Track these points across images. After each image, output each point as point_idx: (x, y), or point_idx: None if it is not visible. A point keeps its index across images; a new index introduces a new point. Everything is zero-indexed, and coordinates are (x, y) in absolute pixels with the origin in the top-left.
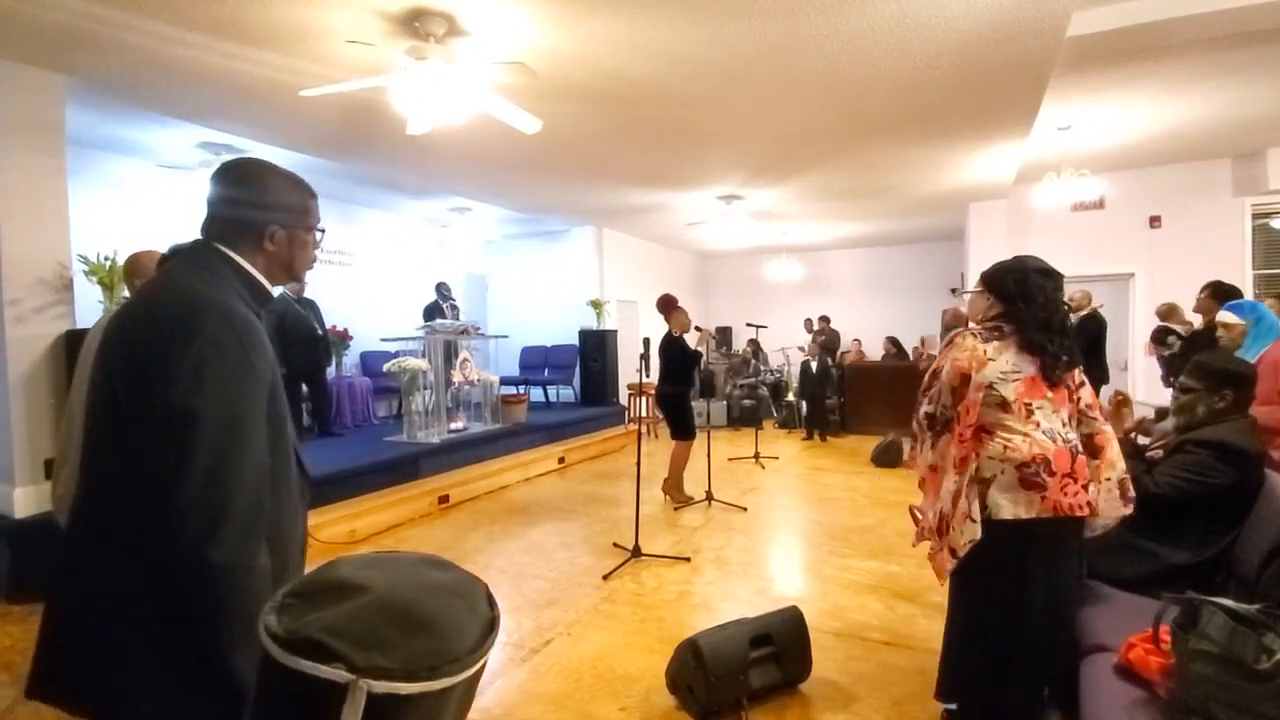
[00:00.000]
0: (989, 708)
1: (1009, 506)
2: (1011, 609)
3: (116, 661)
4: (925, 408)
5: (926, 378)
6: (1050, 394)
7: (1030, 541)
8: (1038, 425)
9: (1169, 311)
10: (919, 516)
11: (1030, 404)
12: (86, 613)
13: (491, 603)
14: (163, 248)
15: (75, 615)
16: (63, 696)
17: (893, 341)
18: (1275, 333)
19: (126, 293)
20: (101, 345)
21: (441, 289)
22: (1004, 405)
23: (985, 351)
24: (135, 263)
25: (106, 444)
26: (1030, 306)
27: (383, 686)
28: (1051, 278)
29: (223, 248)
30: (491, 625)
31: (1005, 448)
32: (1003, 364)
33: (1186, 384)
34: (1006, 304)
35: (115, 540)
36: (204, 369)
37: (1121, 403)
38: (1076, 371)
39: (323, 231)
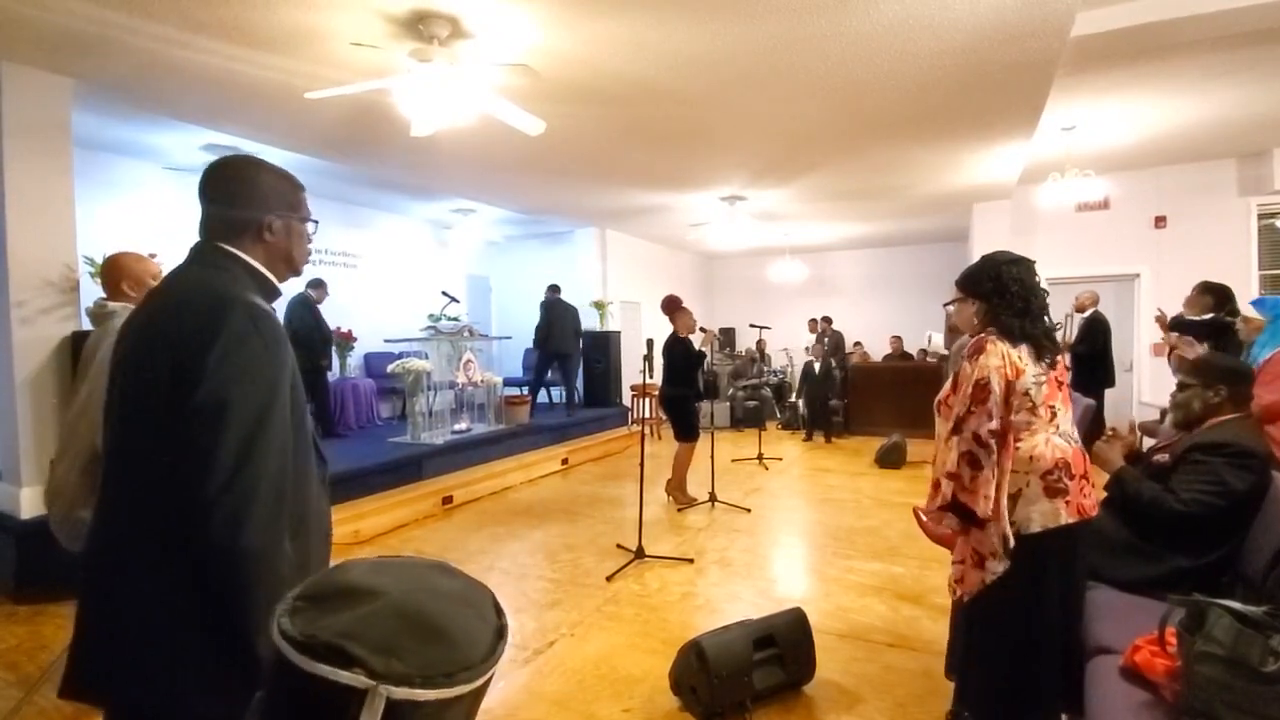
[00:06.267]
0: (1006, 711)
1: (1039, 519)
2: (1029, 615)
3: (164, 654)
4: (989, 424)
5: (972, 390)
6: (1060, 393)
7: (1050, 549)
8: (1058, 428)
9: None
10: (923, 518)
11: (1054, 406)
12: (129, 609)
13: (499, 611)
14: (165, 250)
15: (117, 613)
16: (107, 695)
17: (898, 340)
18: None
19: (103, 293)
20: (126, 348)
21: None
22: (1033, 409)
23: (1020, 358)
24: (115, 265)
25: (137, 442)
26: (1006, 298)
27: (401, 693)
28: (1020, 264)
29: (228, 246)
30: (500, 634)
31: (1031, 457)
32: (1033, 368)
33: (1184, 380)
34: (987, 302)
35: (152, 536)
36: (232, 361)
37: (1113, 436)
38: (1066, 370)
39: (316, 224)
